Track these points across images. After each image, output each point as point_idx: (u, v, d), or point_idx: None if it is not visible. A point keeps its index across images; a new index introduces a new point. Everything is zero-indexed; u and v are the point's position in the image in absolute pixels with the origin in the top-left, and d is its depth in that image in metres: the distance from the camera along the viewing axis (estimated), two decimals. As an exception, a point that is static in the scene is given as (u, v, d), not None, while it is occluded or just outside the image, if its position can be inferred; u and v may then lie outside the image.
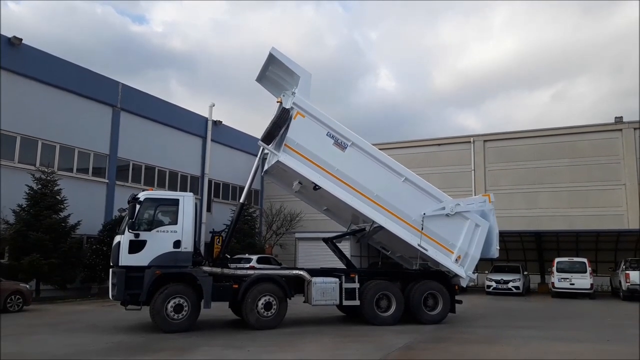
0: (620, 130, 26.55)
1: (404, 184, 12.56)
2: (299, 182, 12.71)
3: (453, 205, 12.71)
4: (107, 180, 22.83)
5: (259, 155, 13.25)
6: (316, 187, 12.09)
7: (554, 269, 22.44)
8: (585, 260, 22.44)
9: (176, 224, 11.27)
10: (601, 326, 13.08)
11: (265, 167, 13.32)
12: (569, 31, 76.76)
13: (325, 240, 14.36)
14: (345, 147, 12.11)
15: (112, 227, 19.99)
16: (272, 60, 12.38)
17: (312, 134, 11.90)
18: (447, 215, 12.61)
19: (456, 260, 12.67)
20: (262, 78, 13.14)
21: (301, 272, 12.35)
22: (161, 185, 25.61)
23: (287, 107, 11.84)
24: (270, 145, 12.05)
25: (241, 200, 13.12)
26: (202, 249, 14.70)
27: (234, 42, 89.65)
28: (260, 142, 12.05)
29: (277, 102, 12.58)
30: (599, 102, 74.54)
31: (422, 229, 12.37)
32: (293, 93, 12.04)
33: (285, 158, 11.65)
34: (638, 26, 61.37)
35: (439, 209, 12.60)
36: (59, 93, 20.97)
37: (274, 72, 12.79)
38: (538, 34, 79.73)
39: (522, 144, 28.63)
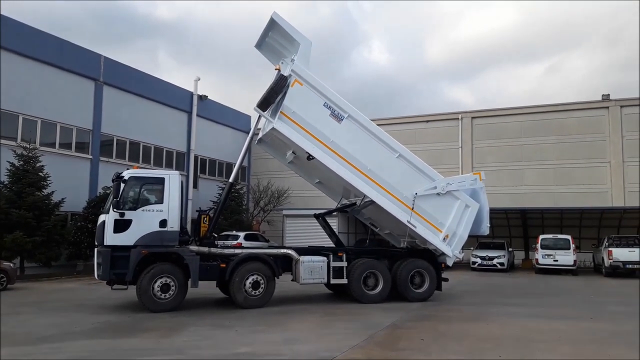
0: (607, 107, 26.71)
1: (398, 160, 12.49)
2: (293, 152, 12.59)
3: (445, 185, 12.71)
4: (90, 156, 22.41)
5: (250, 133, 13.08)
6: (310, 158, 11.94)
7: (539, 245, 22.75)
8: (569, 237, 22.76)
9: (162, 203, 11.09)
10: (584, 303, 13.32)
11: (260, 135, 13.15)
12: (567, 3, 75.65)
13: (316, 216, 14.34)
14: (342, 119, 11.95)
15: (96, 204, 19.76)
16: (273, 26, 12.10)
17: (309, 103, 11.71)
18: (438, 194, 12.62)
19: (444, 239, 12.72)
20: (261, 44, 12.88)
21: (289, 251, 12.31)
22: (146, 161, 25.24)
23: (285, 75, 11.57)
24: (265, 112, 11.86)
25: (230, 180, 12.92)
26: (188, 226, 14.55)
27: (223, 10, 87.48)
28: (255, 108, 11.78)
29: (276, 69, 12.34)
30: (592, 76, 74.42)
31: (413, 207, 12.36)
32: (292, 60, 11.79)
33: (280, 126, 11.44)
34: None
35: (430, 187, 12.59)
36: (39, 66, 20.35)
37: (274, 38, 12.52)
38: (538, 4, 78.50)
39: (510, 121, 28.72)
